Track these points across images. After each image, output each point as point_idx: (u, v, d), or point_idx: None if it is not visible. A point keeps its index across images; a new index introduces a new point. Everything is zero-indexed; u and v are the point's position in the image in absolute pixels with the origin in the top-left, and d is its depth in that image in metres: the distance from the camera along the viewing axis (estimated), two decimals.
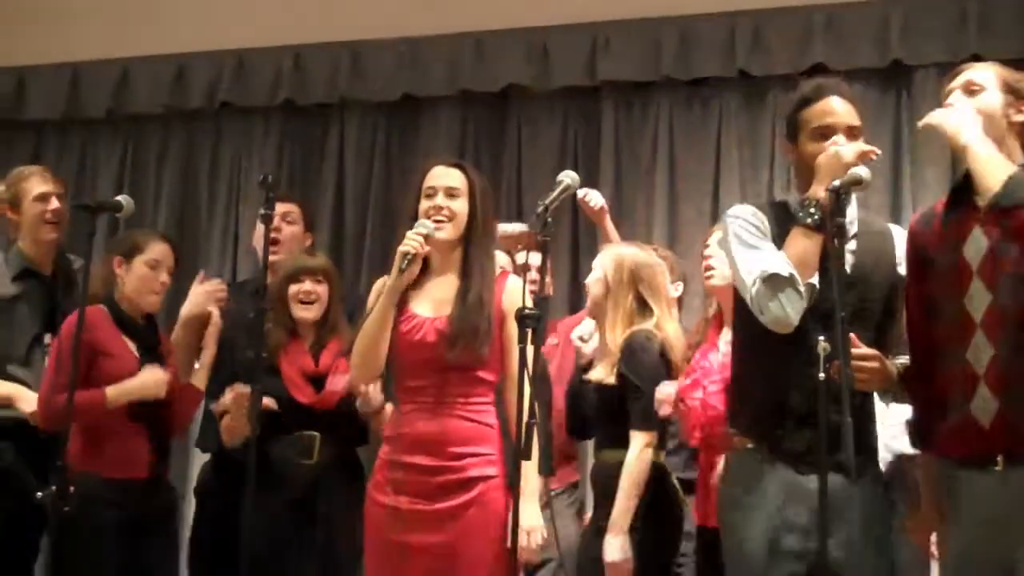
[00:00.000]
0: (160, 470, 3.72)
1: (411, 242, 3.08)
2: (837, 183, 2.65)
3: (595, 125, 5.44)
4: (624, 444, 3.57)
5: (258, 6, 5.87)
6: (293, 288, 3.79)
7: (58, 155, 6.12)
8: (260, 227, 4.16)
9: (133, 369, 3.65)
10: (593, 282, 3.71)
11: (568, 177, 2.96)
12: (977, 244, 2.69)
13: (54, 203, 4.01)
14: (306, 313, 3.79)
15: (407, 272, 3.09)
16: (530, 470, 2.93)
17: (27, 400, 3.73)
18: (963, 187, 2.76)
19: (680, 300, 4.20)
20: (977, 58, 4.66)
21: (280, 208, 4.09)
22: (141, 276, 3.74)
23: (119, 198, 3.61)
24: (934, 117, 2.75)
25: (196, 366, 3.89)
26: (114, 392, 3.57)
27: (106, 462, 3.55)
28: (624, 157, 5.37)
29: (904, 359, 2.87)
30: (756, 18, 5.20)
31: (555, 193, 2.91)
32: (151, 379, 3.64)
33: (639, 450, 3.51)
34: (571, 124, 5.50)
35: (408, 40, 5.64)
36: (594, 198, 4.10)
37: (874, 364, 2.71)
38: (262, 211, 3.58)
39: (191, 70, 5.91)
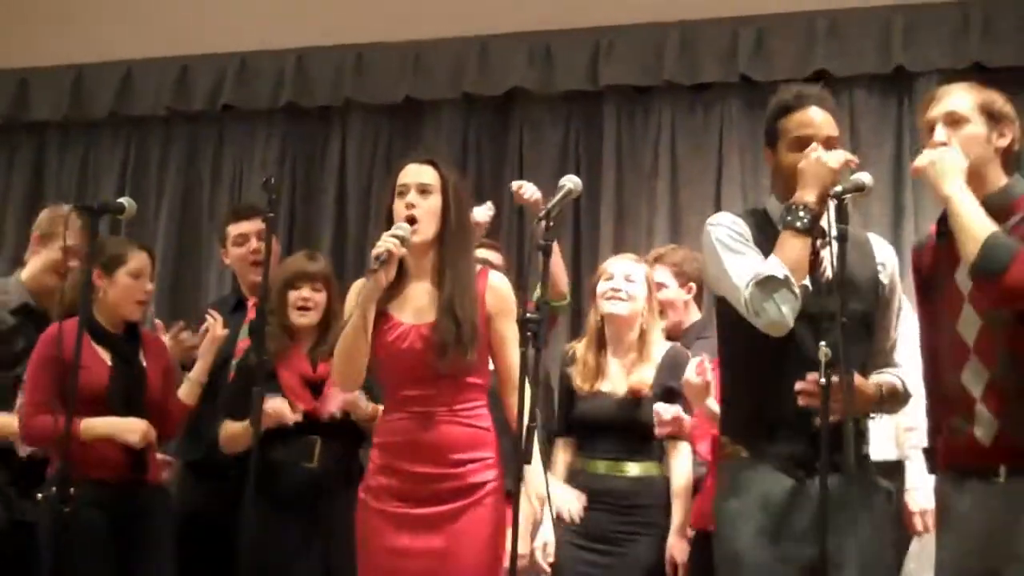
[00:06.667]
0: (138, 473, 3.68)
1: (385, 244, 3.01)
2: (839, 188, 2.66)
3: (597, 129, 5.43)
4: (646, 457, 3.58)
5: (261, 9, 5.87)
6: (292, 294, 3.77)
7: (60, 157, 6.13)
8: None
9: (103, 378, 3.65)
10: (634, 290, 3.69)
11: (570, 182, 2.96)
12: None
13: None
14: (303, 320, 3.77)
15: (383, 274, 3.02)
16: (535, 475, 2.92)
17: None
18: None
19: (698, 298, 4.20)
20: (979, 66, 4.69)
21: (250, 226, 4.23)
22: (125, 287, 3.76)
23: (121, 200, 3.61)
24: (920, 162, 2.73)
25: (185, 378, 3.88)
26: (88, 425, 3.52)
27: (80, 461, 3.45)
28: (626, 162, 5.37)
29: (884, 377, 2.88)
30: (759, 23, 5.20)
31: (557, 198, 2.91)
32: (129, 427, 3.62)
33: (689, 458, 3.60)
34: (573, 128, 5.50)
35: (411, 43, 5.63)
36: (528, 190, 4.04)
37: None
38: (266, 214, 3.59)
39: (194, 72, 5.91)
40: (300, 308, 3.77)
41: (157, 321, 4.27)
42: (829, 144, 2.83)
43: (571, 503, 3.63)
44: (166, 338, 4.11)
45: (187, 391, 3.86)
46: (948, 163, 2.68)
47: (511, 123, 5.58)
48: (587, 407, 3.68)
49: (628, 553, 3.56)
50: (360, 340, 3.05)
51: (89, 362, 3.59)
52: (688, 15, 5.29)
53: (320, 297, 3.79)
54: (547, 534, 3.55)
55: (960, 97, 2.79)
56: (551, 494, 3.09)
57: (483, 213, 3.94)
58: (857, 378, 2.73)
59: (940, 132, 2.76)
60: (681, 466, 3.60)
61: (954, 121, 2.76)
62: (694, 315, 4.15)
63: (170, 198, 5.92)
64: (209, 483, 4.06)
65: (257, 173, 5.66)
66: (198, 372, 3.86)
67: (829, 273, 2.68)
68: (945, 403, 2.76)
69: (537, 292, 4.00)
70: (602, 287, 3.72)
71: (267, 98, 5.80)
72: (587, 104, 5.48)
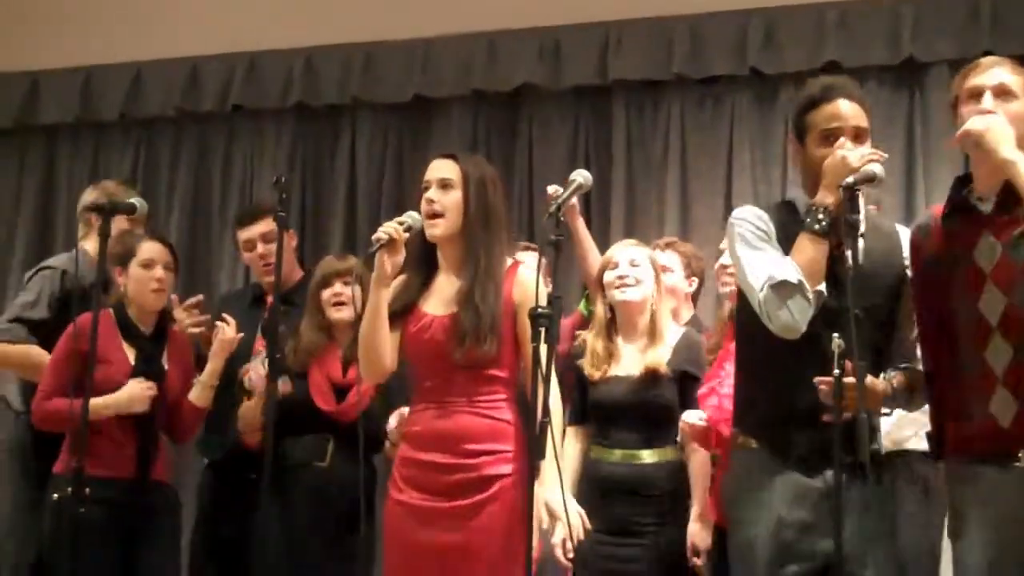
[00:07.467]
0: (147, 470, 3.68)
1: (386, 229, 3.03)
2: (851, 179, 2.65)
3: (607, 124, 5.43)
4: (663, 442, 3.57)
5: (269, 8, 5.88)
6: (325, 293, 3.82)
7: (71, 158, 6.16)
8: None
9: (124, 376, 3.66)
10: (641, 274, 3.69)
11: (580, 176, 2.94)
12: (989, 248, 2.69)
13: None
14: (340, 314, 3.80)
15: (386, 259, 3.02)
16: (548, 466, 2.89)
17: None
18: (960, 195, 2.77)
19: (695, 296, 4.19)
20: (989, 55, 4.66)
21: (256, 230, 4.22)
22: (137, 278, 3.77)
23: (133, 200, 3.62)
24: (975, 125, 2.68)
25: (195, 381, 3.86)
26: (96, 404, 3.45)
27: (89, 459, 3.40)
28: (636, 156, 5.37)
29: (907, 372, 2.86)
30: (768, 16, 5.20)
31: (567, 192, 2.90)
32: (131, 394, 3.63)
33: None
34: (583, 123, 5.50)
35: (419, 41, 5.64)
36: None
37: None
38: (276, 213, 3.59)
39: (203, 73, 5.93)
40: (335, 304, 3.80)
41: (173, 296, 4.23)
42: (859, 135, 2.79)
43: (576, 525, 3.53)
44: (177, 312, 4.09)
45: (197, 394, 3.83)
46: (1003, 129, 2.65)
47: (520, 119, 5.58)
48: (602, 392, 3.64)
49: (650, 543, 3.54)
50: (374, 325, 3.06)
51: (113, 357, 3.64)
52: (697, 8, 5.29)
53: (353, 291, 3.80)
54: (565, 529, 3.52)
55: (1008, 72, 2.76)
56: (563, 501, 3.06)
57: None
58: (867, 377, 2.71)
59: (989, 100, 2.72)
60: (698, 451, 3.57)
61: (1004, 93, 2.73)
62: (689, 311, 4.14)
63: (181, 198, 5.94)
64: (229, 483, 4.07)
65: (267, 173, 5.67)
66: (208, 375, 3.83)
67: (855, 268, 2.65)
68: (957, 386, 2.74)
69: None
70: (609, 276, 3.71)
71: (276, 97, 5.81)
72: (596, 99, 5.48)
